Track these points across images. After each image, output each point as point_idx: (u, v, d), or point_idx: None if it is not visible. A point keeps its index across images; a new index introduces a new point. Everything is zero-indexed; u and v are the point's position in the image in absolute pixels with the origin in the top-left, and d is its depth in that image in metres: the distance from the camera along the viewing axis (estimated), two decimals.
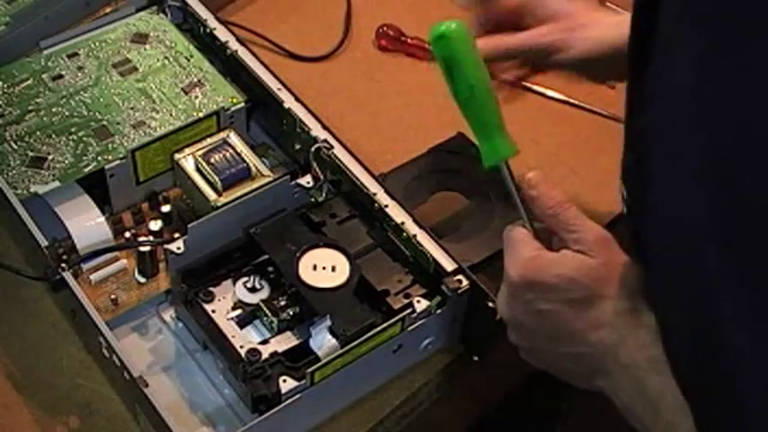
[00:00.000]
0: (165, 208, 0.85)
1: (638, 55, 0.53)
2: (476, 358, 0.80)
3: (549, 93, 0.99)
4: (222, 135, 0.86)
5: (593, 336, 0.63)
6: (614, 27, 0.75)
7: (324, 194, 0.83)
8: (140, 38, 0.94)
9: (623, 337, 0.62)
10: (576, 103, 0.98)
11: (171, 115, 0.88)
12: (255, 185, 0.82)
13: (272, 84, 0.88)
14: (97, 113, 0.88)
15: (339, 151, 0.83)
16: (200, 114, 0.87)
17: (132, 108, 0.88)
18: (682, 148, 0.44)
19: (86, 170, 0.83)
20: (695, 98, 0.42)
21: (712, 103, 0.41)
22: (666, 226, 0.49)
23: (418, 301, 0.75)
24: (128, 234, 0.85)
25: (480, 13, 0.78)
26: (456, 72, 0.69)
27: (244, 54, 0.91)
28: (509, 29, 0.78)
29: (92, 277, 0.81)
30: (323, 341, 0.74)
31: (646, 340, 0.61)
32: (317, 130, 0.85)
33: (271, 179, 0.83)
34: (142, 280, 0.82)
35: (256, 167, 0.84)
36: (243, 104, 0.89)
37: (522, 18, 0.78)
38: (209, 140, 0.86)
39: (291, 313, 0.77)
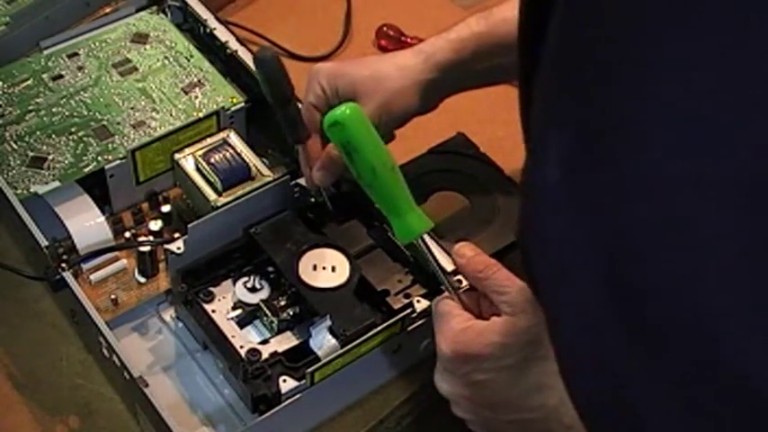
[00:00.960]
0: (165, 208, 0.85)
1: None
2: None
3: None
4: (222, 135, 0.86)
5: (534, 400, 0.62)
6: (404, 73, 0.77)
7: (324, 194, 0.83)
8: (140, 38, 0.94)
9: (564, 398, 0.59)
10: None
11: (171, 115, 0.88)
12: (255, 185, 0.82)
13: None
14: (97, 113, 0.88)
15: None
16: (200, 114, 0.87)
17: (132, 108, 0.88)
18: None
19: (86, 170, 0.83)
20: (565, 195, 0.41)
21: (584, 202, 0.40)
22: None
23: (418, 301, 0.75)
24: (128, 234, 0.85)
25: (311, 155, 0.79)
26: (356, 156, 0.69)
27: (244, 54, 0.91)
28: None
29: (92, 277, 0.81)
30: (323, 341, 0.74)
31: None
32: None
33: (271, 179, 0.83)
34: (142, 280, 0.82)
35: (256, 167, 0.84)
36: (243, 104, 0.89)
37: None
38: (209, 140, 0.86)
39: (291, 313, 0.77)
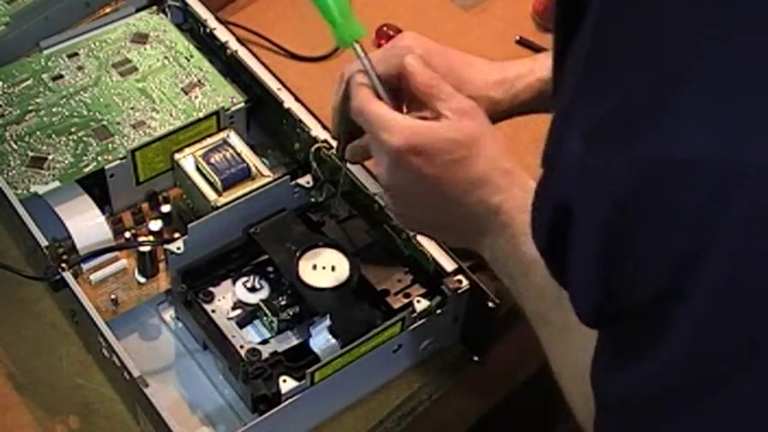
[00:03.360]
0: (165, 208, 0.85)
1: None
2: (476, 358, 0.80)
3: None
4: (222, 135, 0.86)
5: (475, 195, 0.66)
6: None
7: (324, 194, 0.83)
8: (140, 38, 0.94)
9: (506, 197, 0.65)
10: None
11: (171, 115, 0.88)
12: (255, 185, 0.82)
13: (272, 84, 0.88)
14: (97, 113, 0.88)
15: None
16: (200, 114, 0.87)
17: (132, 108, 0.88)
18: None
19: (86, 170, 0.83)
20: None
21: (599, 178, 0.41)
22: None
23: (418, 301, 0.75)
24: (128, 234, 0.85)
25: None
26: None
27: (244, 54, 0.91)
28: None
29: (92, 277, 0.81)
30: (323, 341, 0.74)
31: (526, 203, 0.62)
32: (316, 130, 0.85)
33: (271, 179, 0.83)
34: (142, 280, 0.82)
35: (256, 167, 0.84)
36: (243, 104, 0.89)
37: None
38: (209, 140, 0.86)
39: (291, 313, 0.77)
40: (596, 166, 0.40)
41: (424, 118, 0.68)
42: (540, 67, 0.77)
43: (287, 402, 0.71)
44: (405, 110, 0.77)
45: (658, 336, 0.39)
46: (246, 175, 0.83)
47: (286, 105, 0.87)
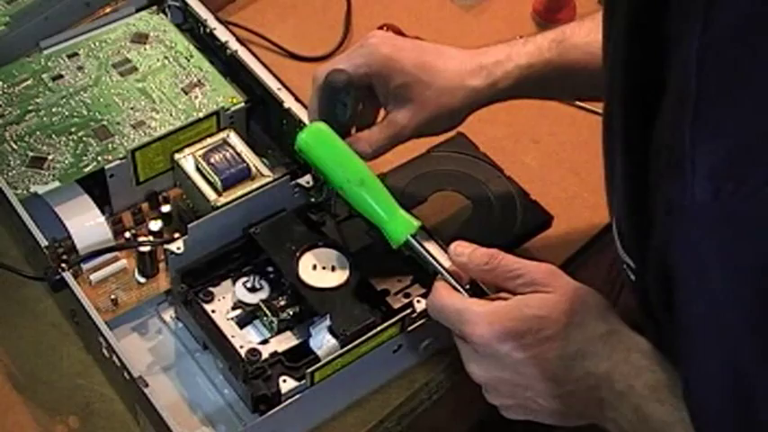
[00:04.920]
0: (165, 208, 0.85)
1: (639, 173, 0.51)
2: None
3: None
4: (222, 135, 0.86)
5: (579, 369, 0.61)
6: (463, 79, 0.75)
7: (324, 194, 0.83)
8: (140, 38, 0.95)
9: (615, 362, 0.60)
10: (576, 103, 0.98)
11: (171, 115, 0.88)
12: (255, 185, 0.82)
13: (272, 84, 0.88)
14: (97, 113, 0.88)
15: None
16: (200, 114, 0.87)
17: (132, 108, 0.88)
18: (710, 262, 0.43)
19: (86, 170, 0.83)
20: (719, 213, 0.41)
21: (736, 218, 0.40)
22: (698, 326, 0.48)
23: (418, 301, 0.75)
24: (128, 234, 0.85)
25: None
26: (324, 176, 0.73)
27: (244, 54, 0.91)
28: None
29: (92, 277, 0.81)
30: (323, 341, 0.74)
31: (641, 365, 0.59)
32: None
33: (271, 179, 0.83)
34: (142, 280, 0.82)
35: (256, 167, 0.84)
36: (243, 104, 0.89)
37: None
38: (209, 140, 0.86)
39: (291, 313, 0.77)
40: (731, 208, 0.40)
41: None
42: (516, 54, 0.76)
43: (287, 402, 0.71)
44: (384, 112, 0.77)
45: None
46: (246, 175, 0.83)
47: (286, 105, 0.87)
